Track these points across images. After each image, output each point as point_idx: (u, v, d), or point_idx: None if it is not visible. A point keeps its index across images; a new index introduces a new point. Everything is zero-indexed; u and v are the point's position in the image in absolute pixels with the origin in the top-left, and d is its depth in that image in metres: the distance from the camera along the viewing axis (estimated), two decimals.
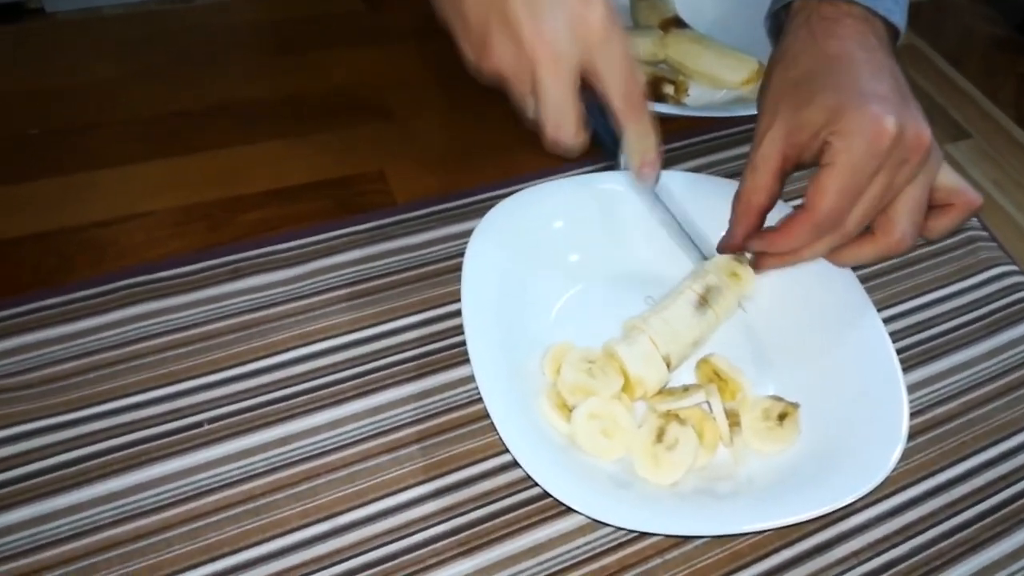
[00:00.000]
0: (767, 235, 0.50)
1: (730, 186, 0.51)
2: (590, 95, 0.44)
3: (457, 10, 0.43)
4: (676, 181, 0.54)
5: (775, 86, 0.49)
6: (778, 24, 0.55)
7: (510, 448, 0.41)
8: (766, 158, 0.48)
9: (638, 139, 0.47)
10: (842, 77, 0.47)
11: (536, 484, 0.40)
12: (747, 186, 0.49)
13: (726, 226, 0.52)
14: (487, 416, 0.47)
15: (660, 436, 0.44)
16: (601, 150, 0.49)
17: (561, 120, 0.43)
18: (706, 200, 0.53)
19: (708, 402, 0.47)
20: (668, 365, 0.47)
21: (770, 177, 0.49)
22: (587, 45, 0.42)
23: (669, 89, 0.65)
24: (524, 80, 0.43)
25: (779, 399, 0.47)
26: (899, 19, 0.51)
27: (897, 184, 0.46)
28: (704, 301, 0.49)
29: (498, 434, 0.42)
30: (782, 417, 0.46)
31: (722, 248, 0.52)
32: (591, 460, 0.44)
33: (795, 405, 0.47)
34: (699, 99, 0.67)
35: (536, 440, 0.43)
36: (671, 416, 0.45)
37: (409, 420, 0.47)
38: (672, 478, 0.44)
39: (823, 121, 0.46)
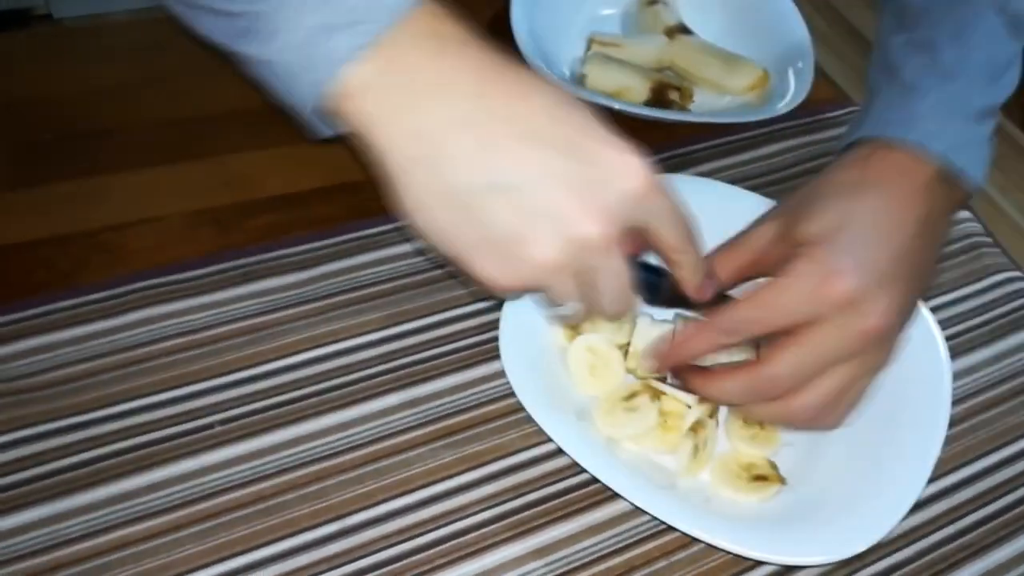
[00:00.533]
0: (669, 345, 0.45)
1: (735, 191, 0.52)
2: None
3: (458, 218, 0.35)
4: (682, 185, 0.55)
5: (794, 196, 0.45)
6: None
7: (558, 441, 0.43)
8: (747, 243, 0.45)
9: (695, 268, 0.42)
10: (852, 213, 0.42)
11: (538, 488, 0.41)
12: (718, 255, 0.45)
13: (729, 230, 0.52)
14: (493, 419, 0.48)
15: (629, 397, 0.46)
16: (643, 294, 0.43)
17: (623, 295, 0.39)
18: (714, 204, 0.54)
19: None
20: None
21: (740, 258, 0.45)
22: (639, 202, 0.36)
23: (674, 95, 0.65)
24: (572, 270, 0.37)
25: None
26: (975, 171, 0.45)
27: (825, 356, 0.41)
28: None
29: (537, 423, 0.43)
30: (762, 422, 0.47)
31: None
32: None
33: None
34: (704, 105, 0.67)
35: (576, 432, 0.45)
36: (651, 389, 0.47)
37: (418, 423, 0.48)
38: (613, 432, 0.46)
39: (797, 241, 0.42)
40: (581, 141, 0.36)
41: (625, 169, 0.36)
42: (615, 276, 0.38)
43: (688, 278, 0.42)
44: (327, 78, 0.34)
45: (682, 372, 0.45)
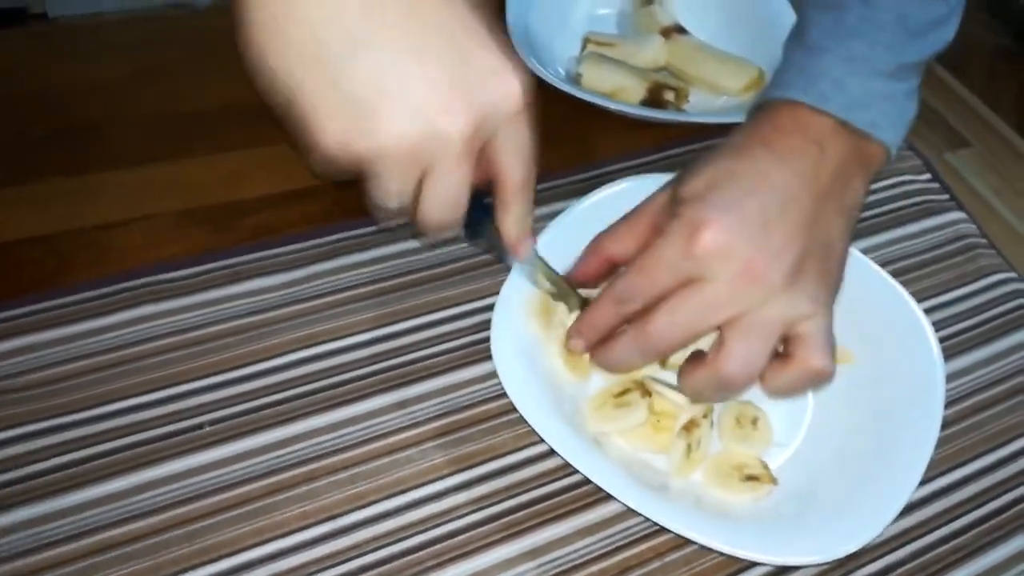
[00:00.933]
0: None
1: None
2: None
3: (316, 72, 0.33)
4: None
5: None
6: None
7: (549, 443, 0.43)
8: (635, 214, 0.46)
9: (517, 225, 0.42)
10: (724, 171, 0.42)
11: (530, 489, 0.41)
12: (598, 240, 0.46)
13: None
14: (485, 420, 0.48)
15: (620, 394, 0.46)
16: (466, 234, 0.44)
17: (453, 207, 0.37)
18: None
19: None
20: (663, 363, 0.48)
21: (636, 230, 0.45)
22: (506, 120, 0.36)
23: (670, 96, 0.65)
24: (415, 161, 0.35)
25: (749, 403, 0.48)
26: (877, 131, 0.44)
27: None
28: None
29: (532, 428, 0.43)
30: (755, 421, 0.47)
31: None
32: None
33: (762, 411, 0.48)
34: (699, 105, 0.67)
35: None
36: (642, 386, 0.46)
37: (409, 424, 0.47)
38: (602, 426, 0.46)
39: (666, 205, 0.43)
40: (468, 39, 0.35)
41: (503, 82, 0.35)
42: (450, 185, 0.36)
43: (510, 225, 0.42)
44: None
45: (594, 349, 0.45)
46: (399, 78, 0.33)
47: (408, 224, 0.39)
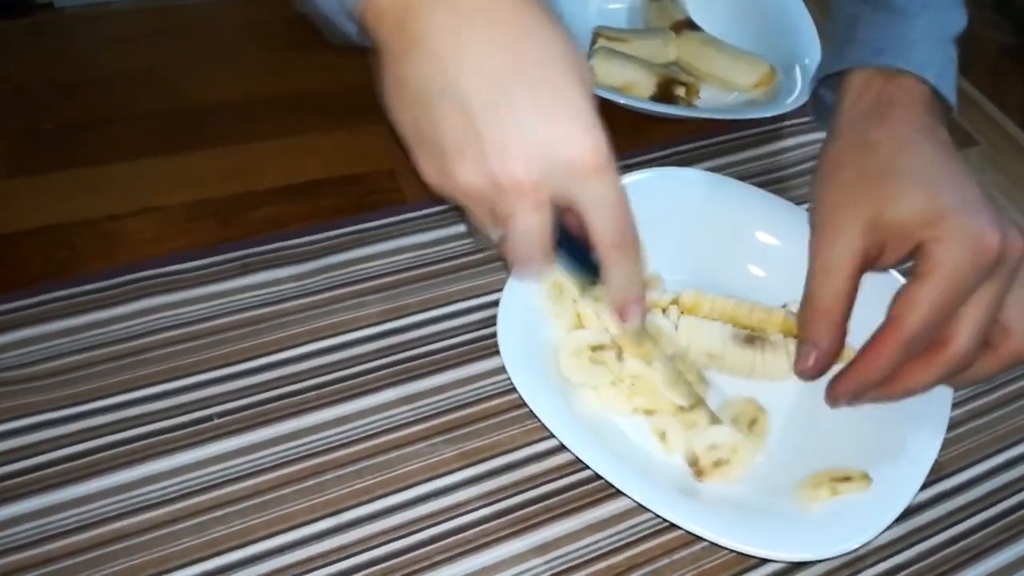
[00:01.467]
0: (853, 367, 0.43)
1: (745, 188, 0.51)
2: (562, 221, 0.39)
3: (417, 112, 0.36)
4: (689, 179, 0.54)
5: (844, 172, 0.44)
6: (822, 94, 0.52)
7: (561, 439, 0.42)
8: (845, 256, 0.42)
9: (623, 283, 0.41)
10: (930, 172, 0.42)
11: (538, 485, 0.41)
12: (825, 291, 0.43)
13: (740, 229, 0.52)
14: (493, 415, 0.48)
15: (596, 348, 0.47)
16: (574, 281, 0.43)
17: (533, 251, 0.38)
18: (726, 201, 0.54)
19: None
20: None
21: (850, 280, 0.43)
22: (579, 178, 0.36)
23: (680, 91, 0.65)
24: (493, 206, 0.37)
25: (752, 401, 0.48)
26: (953, 98, 0.47)
27: (1000, 297, 0.41)
28: (749, 342, 0.48)
29: (539, 420, 0.43)
30: (752, 423, 0.47)
31: (807, 376, 0.45)
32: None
33: (763, 411, 0.47)
34: (710, 101, 0.67)
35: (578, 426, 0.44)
36: (618, 347, 0.47)
37: (417, 418, 0.47)
38: (573, 376, 0.46)
39: (919, 222, 0.41)
40: (554, 98, 0.35)
41: (579, 140, 0.35)
42: (523, 233, 0.37)
43: (613, 286, 0.41)
44: None
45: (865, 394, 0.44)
46: (474, 128, 0.35)
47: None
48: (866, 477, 0.44)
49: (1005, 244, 0.40)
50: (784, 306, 0.51)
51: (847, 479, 0.44)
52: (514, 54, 0.35)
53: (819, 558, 0.43)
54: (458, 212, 0.39)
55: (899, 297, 0.42)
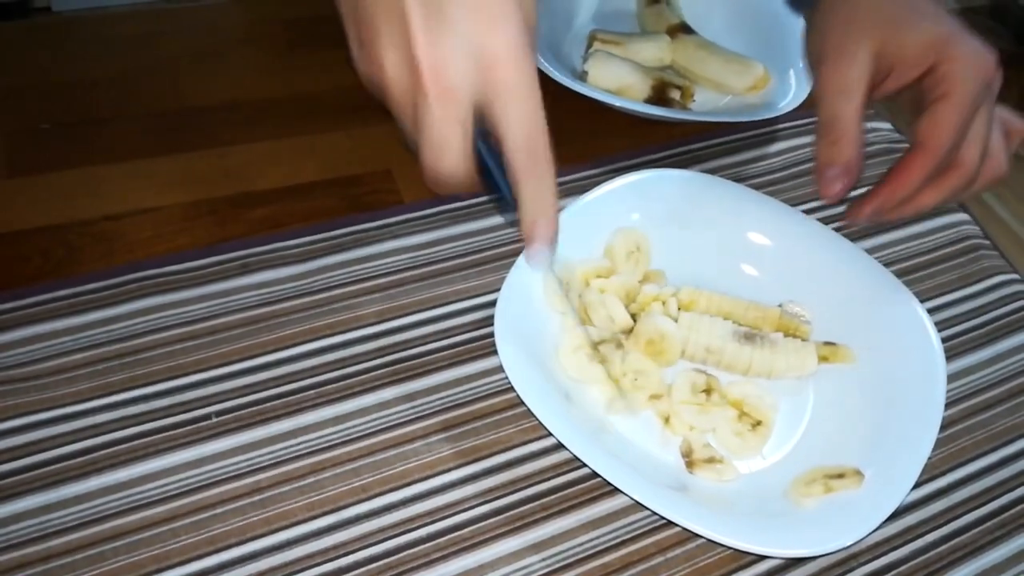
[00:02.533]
0: (881, 189, 0.46)
1: (739, 189, 0.52)
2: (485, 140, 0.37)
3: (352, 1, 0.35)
4: (685, 180, 0.55)
5: (848, 5, 0.46)
6: None
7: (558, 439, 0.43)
8: (862, 80, 0.44)
9: (533, 202, 0.38)
10: (925, 3, 0.45)
11: (535, 483, 0.41)
12: (847, 112, 0.44)
13: (733, 227, 0.52)
14: (490, 414, 0.48)
15: (599, 343, 0.48)
16: (498, 204, 0.40)
17: (441, 150, 0.36)
18: (720, 202, 0.54)
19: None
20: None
21: (864, 102, 0.45)
22: (488, 79, 0.35)
23: (675, 94, 0.65)
24: (406, 100, 0.35)
25: (764, 401, 0.48)
26: None
27: (991, 117, 0.45)
28: (748, 339, 0.49)
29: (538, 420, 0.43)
30: (755, 424, 0.47)
31: (834, 198, 0.46)
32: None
33: (770, 414, 0.48)
34: (705, 104, 0.67)
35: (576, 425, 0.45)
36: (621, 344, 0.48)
37: (415, 416, 0.48)
38: (571, 372, 0.47)
39: (931, 45, 0.44)
40: (488, 3, 0.34)
41: (504, 48, 0.34)
42: (438, 128, 0.35)
43: (523, 204, 0.38)
44: None
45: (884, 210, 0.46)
46: (397, 8, 0.34)
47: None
48: (858, 474, 0.44)
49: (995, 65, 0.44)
50: (780, 306, 0.51)
51: (840, 476, 0.44)
52: None
53: (814, 554, 0.44)
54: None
55: (924, 122, 0.44)
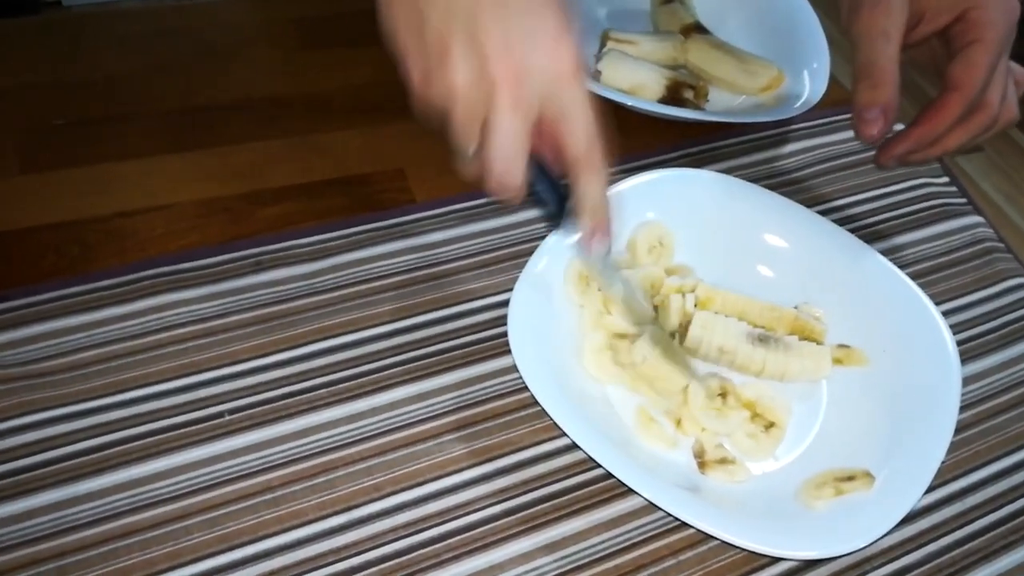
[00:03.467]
0: (913, 131, 0.48)
1: (755, 190, 0.52)
2: (535, 154, 0.40)
3: (411, 20, 0.38)
4: (701, 180, 0.55)
5: None
6: None
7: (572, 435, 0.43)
8: (899, 24, 0.47)
9: (591, 197, 0.41)
10: None
11: (547, 484, 0.41)
12: (888, 53, 0.47)
13: (749, 228, 0.52)
14: (503, 414, 0.48)
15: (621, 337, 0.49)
16: (543, 215, 0.44)
17: (510, 158, 0.39)
18: (734, 202, 0.54)
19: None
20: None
21: (899, 45, 0.47)
22: (555, 82, 0.38)
23: (689, 94, 0.65)
24: (476, 107, 0.38)
25: (776, 401, 0.48)
26: None
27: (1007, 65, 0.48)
28: (762, 341, 0.49)
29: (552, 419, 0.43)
30: (768, 426, 0.47)
31: (874, 139, 0.49)
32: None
33: (784, 417, 0.48)
34: (718, 104, 0.67)
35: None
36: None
37: (427, 416, 0.48)
38: (600, 373, 0.48)
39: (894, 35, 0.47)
40: (542, 6, 0.38)
41: (561, 48, 0.38)
42: (503, 135, 0.38)
43: (583, 199, 0.41)
44: None
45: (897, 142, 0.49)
46: (466, 29, 0.37)
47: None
48: (869, 476, 0.44)
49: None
50: (796, 308, 0.51)
51: (851, 479, 0.44)
52: None
53: (825, 556, 0.43)
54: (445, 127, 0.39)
55: (958, 65, 0.47)
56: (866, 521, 0.42)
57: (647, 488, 0.41)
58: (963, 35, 0.47)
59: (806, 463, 0.47)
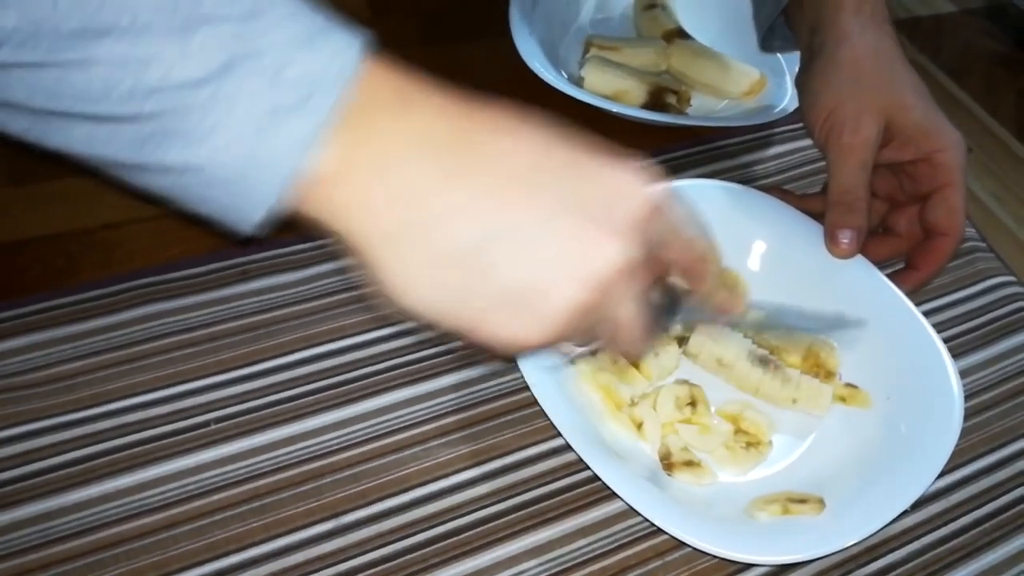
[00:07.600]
0: (918, 275, 0.52)
1: (741, 191, 0.52)
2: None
3: (459, 279, 0.31)
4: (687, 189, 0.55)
5: (864, 80, 0.50)
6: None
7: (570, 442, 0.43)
8: (872, 155, 0.50)
9: (713, 296, 0.39)
10: (917, 83, 0.51)
11: (533, 488, 0.41)
12: (861, 183, 0.50)
13: (740, 228, 0.52)
14: (488, 419, 0.48)
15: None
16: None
17: (639, 340, 0.35)
18: (723, 207, 0.54)
19: None
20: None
21: (874, 160, 0.50)
22: (646, 219, 0.33)
23: (672, 99, 0.66)
24: (588, 320, 0.33)
25: (766, 424, 0.48)
26: None
27: None
28: (762, 362, 0.49)
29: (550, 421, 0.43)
30: (749, 444, 0.47)
31: (847, 255, 0.51)
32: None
33: (769, 444, 0.48)
34: (701, 109, 0.67)
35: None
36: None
37: (411, 422, 0.48)
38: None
39: (925, 133, 0.50)
40: (578, 167, 0.32)
41: (628, 187, 0.33)
42: (632, 312, 0.34)
43: (707, 302, 0.39)
44: (289, 173, 0.29)
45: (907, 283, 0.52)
46: (546, 245, 0.31)
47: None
48: (820, 503, 0.44)
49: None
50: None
51: (803, 502, 0.44)
52: (518, 157, 0.32)
53: (807, 558, 0.43)
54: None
55: (940, 212, 0.50)
56: (851, 521, 0.42)
57: (630, 494, 0.41)
58: (932, 178, 0.50)
59: (772, 482, 0.47)
